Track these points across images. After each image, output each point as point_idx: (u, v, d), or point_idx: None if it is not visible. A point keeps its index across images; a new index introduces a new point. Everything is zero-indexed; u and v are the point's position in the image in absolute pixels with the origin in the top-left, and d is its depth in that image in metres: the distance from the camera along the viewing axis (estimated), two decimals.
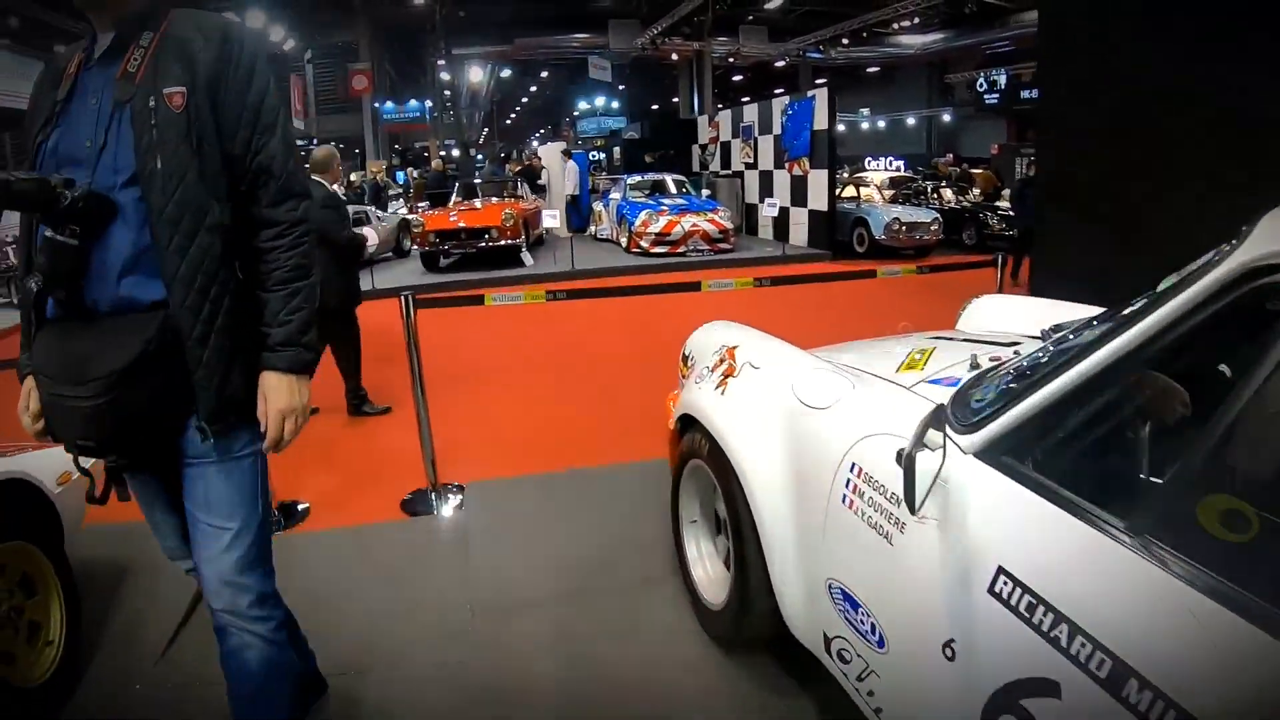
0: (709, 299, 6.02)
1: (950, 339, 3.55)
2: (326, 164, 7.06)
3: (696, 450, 3.49)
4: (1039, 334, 3.03)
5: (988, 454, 1.97)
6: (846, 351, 3.45)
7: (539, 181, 20.33)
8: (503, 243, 15.45)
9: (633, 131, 25.19)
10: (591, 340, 10.05)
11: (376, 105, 37.67)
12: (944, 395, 2.38)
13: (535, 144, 40.29)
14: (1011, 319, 3.96)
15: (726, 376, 3.36)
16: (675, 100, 46.17)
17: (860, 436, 2.44)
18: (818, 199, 16.45)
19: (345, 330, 7.14)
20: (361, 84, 36.17)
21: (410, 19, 36.72)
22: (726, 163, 20.31)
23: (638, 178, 18.80)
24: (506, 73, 43.13)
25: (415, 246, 16.53)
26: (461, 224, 15.57)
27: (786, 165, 17.34)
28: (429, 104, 39.35)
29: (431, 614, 3.99)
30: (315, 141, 41.71)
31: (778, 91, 48.75)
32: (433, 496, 5.39)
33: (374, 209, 19.28)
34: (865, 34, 37.36)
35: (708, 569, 3.72)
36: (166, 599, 4.16)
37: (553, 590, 4.10)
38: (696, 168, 21.80)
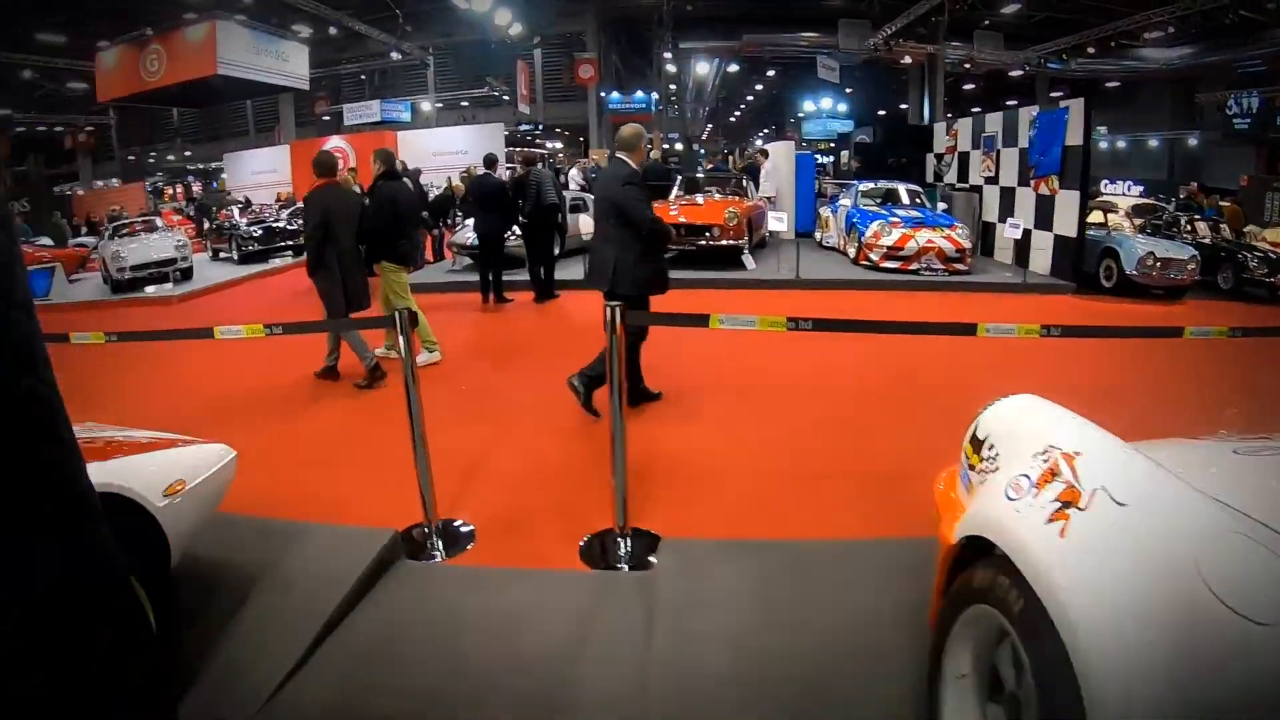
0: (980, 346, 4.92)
1: None
2: (633, 143, 6.79)
3: (991, 594, 2.29)
4: None
5: None
6: (1214, 462, 2.51)
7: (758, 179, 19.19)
8: (724, 243, 14.64)
9: (864, 135, 23.74)
10: (823, 365, 8.80)
11: (602, 95, 37.46)
12: None
13: (759, 142, 39.28)
14: None
15: (1066, 504, 2.18)
16: (903, 106, 44.74)
17: None
18: (1065, 223, 14.86)
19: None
20: (588, 73, 36.16)
21: (638, 11, 36.52)
22: (964, 175, 18.87)
23: (869, 184, 17.62)
24: (734, 68, 42.19)
25: None
26: (682, 219, 14.79)
27: (1032, 183, 15.81)
28: (654, 96, 38.81)
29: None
30: (540, 127, 42.17)
31: (1009, 103, 47.00)
32: (620, 546, 4.59)
33: (591, 196, 18.71)
34: (1112, 44, 34.49)
35: None
36: (286, 627, 3.62)
37: (758, 714, 3.15)
38: (930, 178, 20.41)
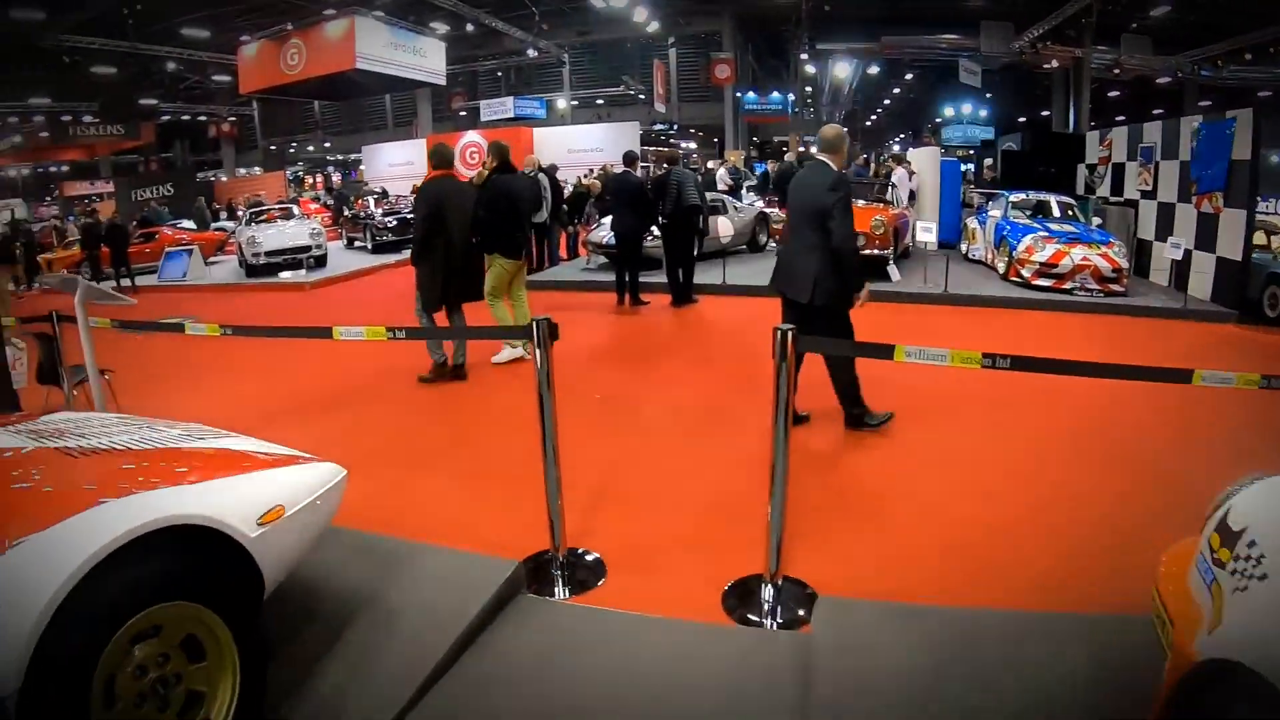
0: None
1: None
2: (837, 144, 6.35)
3: None
4: None
5: None
6: None
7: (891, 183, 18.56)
8: (870, 252, 14.00)
9: (1011, 143, 22.85)
10: (988, 395, 7.51)
11: (738, 95, 37.04)
12: None
13: (895, 148, 38.35)
14: None
15: None
16: (1044, 114, 43.49)
17: None
18: (1230, 245, 13.62)
19: (837, 332, 6.27)
20: (724, 73, 35.80)
21: (775, 10, 35.78)
22: (1118, 188, 17.97)
23: (1020, 195, 16.84)
24: (871, 70, 41.27)
25: (775, 242, 15.34)
26: None
27: (1194, 199, 14.72)
28: (791, 97, 38.25)
29: None
30: (674, 126, 41.97)
31: (1155, 111, 45.20)
32: (770, 597, 4.01)
33: (731, 199, 18.31)
34: (1273, 49, 32.77)
35: None
36: (391, 667, 3.26)
37: None
38: (1080, 190, 19.54)
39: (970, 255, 17.24)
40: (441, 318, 8.59)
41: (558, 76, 42.44)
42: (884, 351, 3.78)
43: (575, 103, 42.40)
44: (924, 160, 19.83)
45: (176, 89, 44.73)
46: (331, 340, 4.51)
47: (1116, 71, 34.88)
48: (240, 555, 2.78)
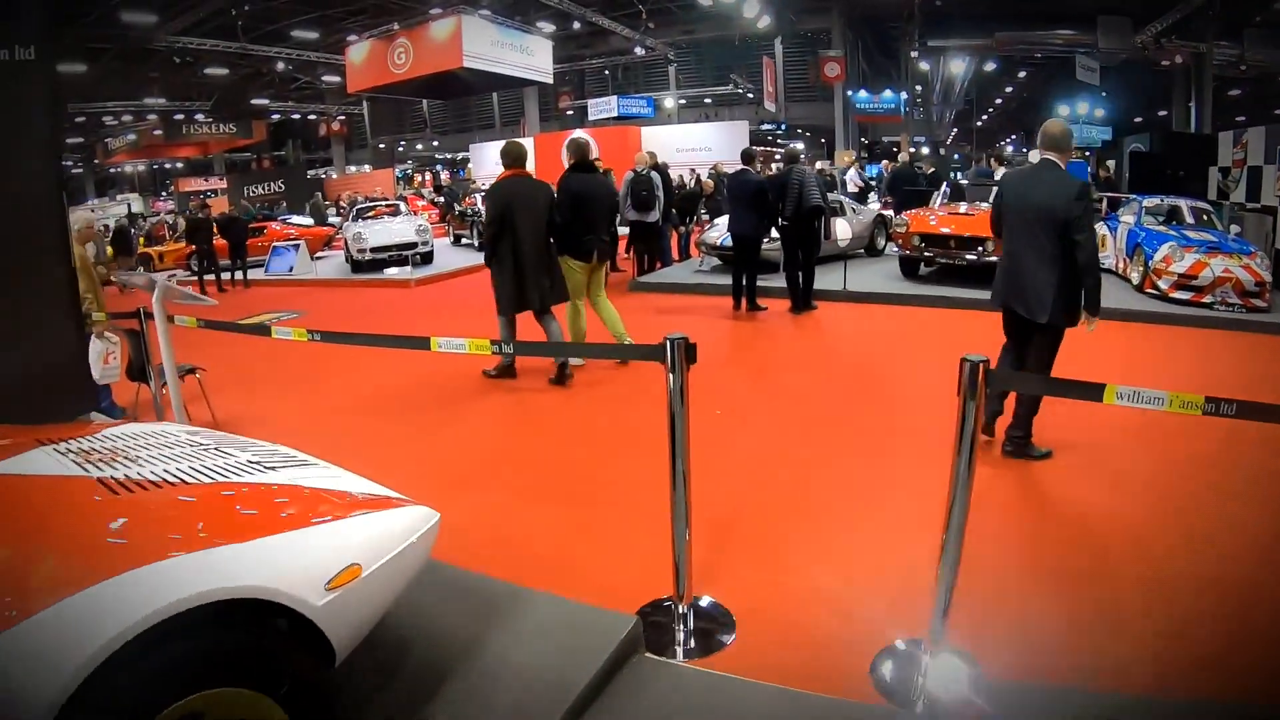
0: None
1: None
2: (1065, 142, 5.60)
3: None
4: None
5: None
6: None
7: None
8: (995, 259, 13.17)
9: (1138, 144, 21.58)
10: (1128, 419, 5.97)
11: (849, 94, 36.13)
12: None
13: (1009, 149, 36.94)
14: None
15: None
16: (1162, 113, 41.90)
17: None
18: None
19: (1053, 353, 5.81)
20: (834, 71, 34.89)
21: (885, 7, 35.29)
22: (1254, 193, 16.82)
23: (1154, 199, 15.80)
24: (982, 68, 39.70)
25: (894, 247, 14.45)
26: (949, 230, 13.43)
27: None
28: (903, 96, 37.14)
29: None
30: (783, 126, 41.21)
31: (1277, 111, 43.04)
32: (924, 670, 3.29)
33: (850, 200, 17.57)
34: None
35: None
36: None
37: None
38: (1212, 195, 18.35)
39: (1101, 264, 16.21)
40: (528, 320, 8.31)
41: (665, 75, 41.89)
42: (1092, 392, 2.96)
43: (683, 101, 41.87)
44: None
45: (287, 89, 45.49)
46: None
47: (1244, 68, 32.83)
48: (305, 624, 2.25)
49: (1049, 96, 47.71)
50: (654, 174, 14.26)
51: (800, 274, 11.93)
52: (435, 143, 54.34)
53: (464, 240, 23.28)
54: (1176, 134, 30.49)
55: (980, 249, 13.10)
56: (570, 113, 42.55)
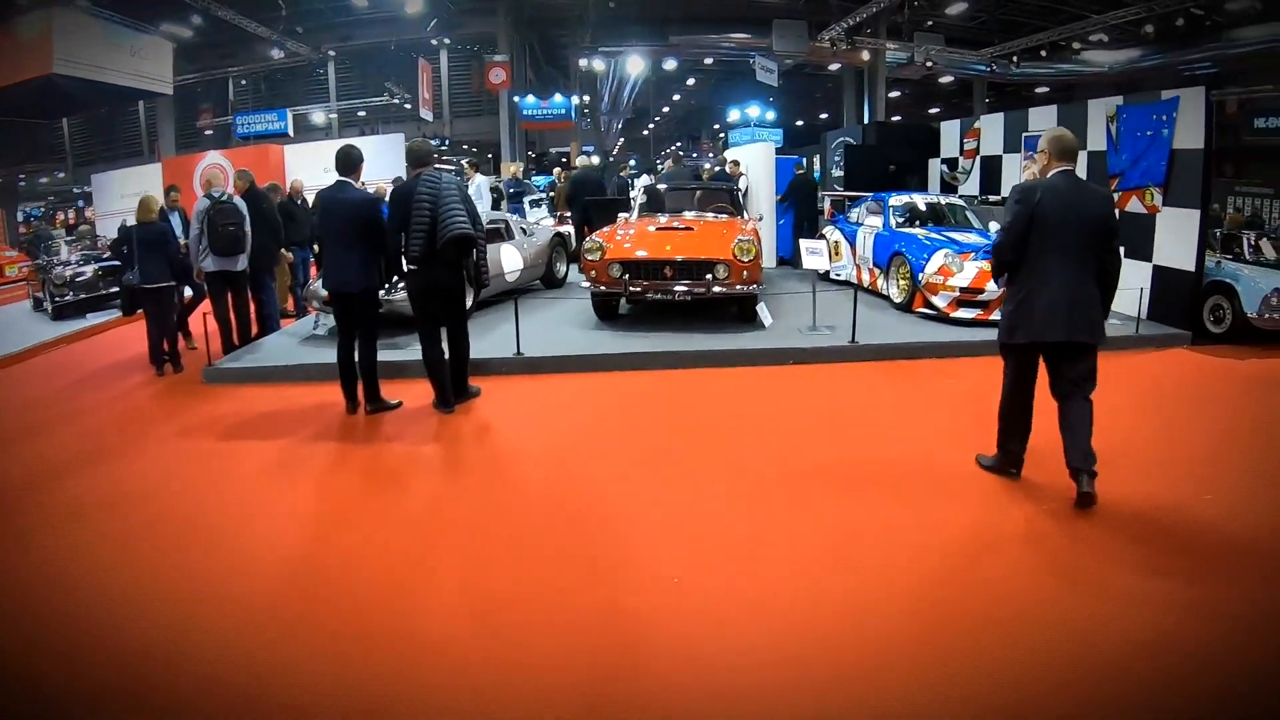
0: None
1: None
2: (1073, 148, 5.20)
3: None
4: None
5: None
6: None
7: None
8: (737, 288, 8.93)
9: (848, 138, 17.75)
10: None
11: (515, 99, 31.38)
12: None
13: (680, 154, 33.46)
14: None
15: None
16: (823, 116, 41.65)
17: None
18: (1176, 252, 9.90)
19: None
20: (499, 77, 30.35)
21: (554, 7, 31.92)
22: (990, 185, 13.51)
23: (902, 197, 11.99)
24: (652, 76, 35.94)
25: (586, 282, 9.60)
26: (668, 252, 9.10)
27: (1116, 196, 10.54)
28: (574, 100, 32.75)
29: None
30: (447, 142, 36.12)
31: (932, 110, 42.82)
32: None
33: (517, 218, 12.78)
34: (1065, 45, 30.54)
35: None
36: None
37: None
38: (934, 189, 15.02)
39: (835, 274, 12.13)
40: None
41: (318, 87, 36.03)
42: None
43: (334, 115, 35.77)
44: (757, 159, 14.87)
45: None
46: None
47: (930, 64, 31.36)
48: None
49: (717, 103, 47.51)
50: (238, 201, 9.25)
51: (449, 339, 7.09)
52: (60, 174, 44.09)
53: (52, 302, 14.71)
54: (891, 125, 29.40)
55: (712, 275, 8.75)
56: (209, 132, 35.35)
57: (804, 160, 16.82)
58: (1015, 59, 31.08)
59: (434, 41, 32.72)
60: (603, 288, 9.25)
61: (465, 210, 6.50)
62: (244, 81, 37.28)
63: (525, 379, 8.04)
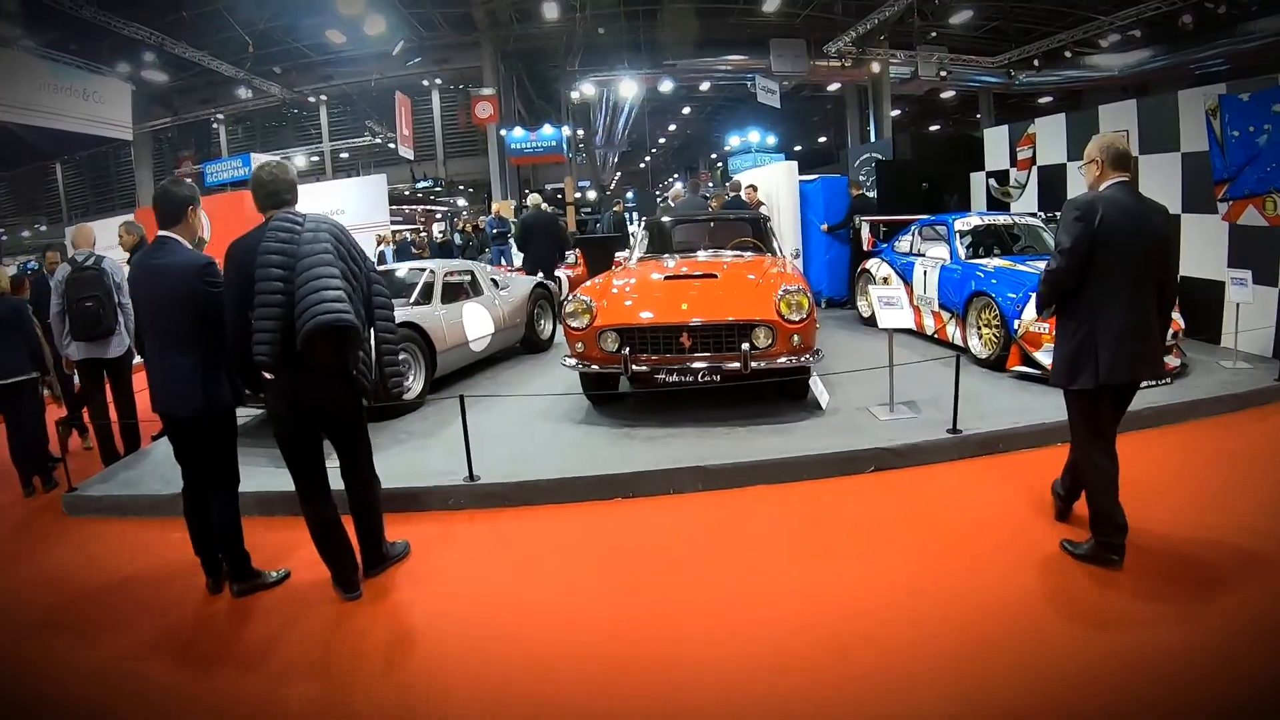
0: None
1: None
2: (1129, 160, 4.28)
3: None
4: None
5: None
6: None
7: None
8: (782, 361, 6.16)
9: (877, 153, 15.05)
10: None
11: (502, 133, 29.04)
12: None
13: (678, 185, 31.28)
14: None
15: None
16: (821, 140, 41.81)
17: None
18: None
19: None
20: (486, 111, 28.05)
21: (542, 37, 29.94)
22: (1050, 201, 11.01)
23: (970, 219, 9.28)
24: (666, 85, 33.32)
25: (571, 358, 6.71)
26: (684, 313, 6.30)
27: (1223, 208, 8.23)
28: (565, 132, 30.29)
29: None
30: (439, 183, 34.30)
31: (933, 127, 40.85)
32: None
33: (488, 268, 10.17)
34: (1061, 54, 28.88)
35: None
36: None
37: None
38: (984, 206, 12.50)
39: (884, 324, 9.51)
40: None
41: (303, 131, 33.88)
42: None
43: (315, 159, 33.51)
44: (777, 182, 12.38)
45: None
46: None
47: (943, 75, 29.26)
48: None
49: (715, 130, 45.90)
50: (110, 265, 6.88)
51: (348, 482, 4.38)
52: (43, 227, 41.36)
53: None
54: (926, 136, 28.13)
55: (747, 344, 6.14)
56: (188, 179, 33.01)
57: (862, 179, 14.03)
58: (1036, 62, 29.04)
59: (425, 82, 30.92)
60: (594, 366, 6.47)
61: (343, 277, 3.75)
62: (230, 126, 35.24)
63: (483, 517, 5.25)
